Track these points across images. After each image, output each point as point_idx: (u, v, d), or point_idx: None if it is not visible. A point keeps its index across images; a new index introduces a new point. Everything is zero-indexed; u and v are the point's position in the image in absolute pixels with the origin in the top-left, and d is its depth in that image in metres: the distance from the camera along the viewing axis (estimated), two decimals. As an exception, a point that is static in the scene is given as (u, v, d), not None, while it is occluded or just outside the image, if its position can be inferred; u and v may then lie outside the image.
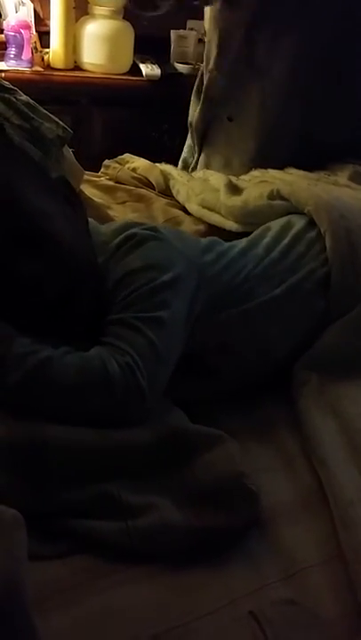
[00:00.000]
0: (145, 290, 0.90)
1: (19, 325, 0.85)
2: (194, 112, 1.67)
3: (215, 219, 1.33)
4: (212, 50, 1.59)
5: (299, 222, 1.14)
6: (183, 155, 1.76)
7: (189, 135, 1.73)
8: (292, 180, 1.39)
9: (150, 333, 0.86)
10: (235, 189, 1.35)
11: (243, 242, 1.11)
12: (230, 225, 1.27)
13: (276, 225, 1.15)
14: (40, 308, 0.87)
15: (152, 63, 2.22)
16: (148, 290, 0.90)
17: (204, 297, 0.98)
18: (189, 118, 1.69)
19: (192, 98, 1.69)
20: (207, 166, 1.62)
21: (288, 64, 1.53)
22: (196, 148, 1.70)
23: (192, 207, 1.41)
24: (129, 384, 0.82)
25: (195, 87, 1.69)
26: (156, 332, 0.87)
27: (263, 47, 1.52)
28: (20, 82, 1.51)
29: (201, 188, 1.40)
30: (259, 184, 1.39)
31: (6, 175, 0.88)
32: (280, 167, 1.49)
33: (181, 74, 2.24)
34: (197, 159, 1.69)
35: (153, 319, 0.88)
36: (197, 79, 1.68)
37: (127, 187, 1.55)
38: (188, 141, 1.75)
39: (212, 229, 1.33)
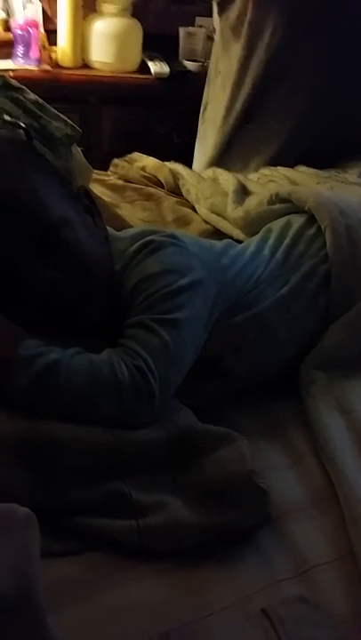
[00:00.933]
0: (162, 293, 0.90)
1: (29, 327, 0.85)
2: None
3: (223, 225, 1.33)
4: None
5: (298, 221, 1.15)
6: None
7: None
8: (300, 180, 1.39)
9: (165, 335, 0.86)
10: (243, 191, 1.35)
11: (252, 245, 1.12)
12: (237, 234, 1.28)
13: (276, 226, 1.16)
14: (54, 313, 0.87)
15: (160, 61, 2.22)
16: (166, 293, 0.90)
17: (221, 301, 0.98)
18: None
19: None
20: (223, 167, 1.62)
21: (309, 67, 1.54)
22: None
23: (201, 210, 1.41)
24: (139, 388, 0.82)
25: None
26: (171, 333, 0.87)
27: (283, 52, 1.53)
28: (28, 80, 1.51)
29: (211, 191, 1.40)
30: (267, 184, 1.40)
31: (31, 182, 0.88)
32: (291, 165, 1.50)
33: (190, 71, 2.24)
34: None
35: (169, 321, 0.87)
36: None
37: (136, 185, 1.55)
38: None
39: (221, 230, 1.34)
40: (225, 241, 1.14)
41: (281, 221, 1.17)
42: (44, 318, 0.87)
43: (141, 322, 0.88)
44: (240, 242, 1.21)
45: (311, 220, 1.13)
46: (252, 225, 1.23)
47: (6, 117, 1.05)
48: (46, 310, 0.87)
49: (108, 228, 1.01)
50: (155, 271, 0.92)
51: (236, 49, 1.61)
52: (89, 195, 1.01)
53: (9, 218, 0.84)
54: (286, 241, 1.11)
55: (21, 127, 1.00)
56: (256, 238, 1.15)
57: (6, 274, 0.85)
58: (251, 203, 1.27)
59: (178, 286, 0.90)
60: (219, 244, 1.11)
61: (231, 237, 1.28)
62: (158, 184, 1.55)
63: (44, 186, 0.90)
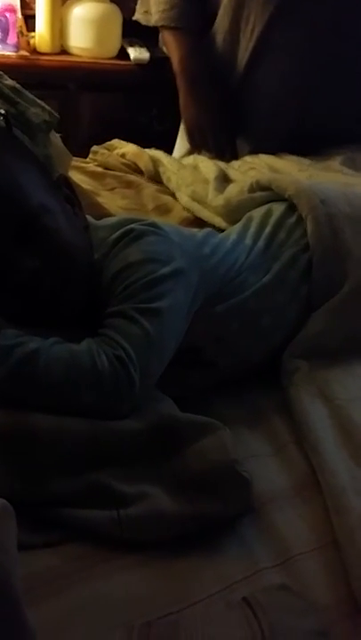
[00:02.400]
0: (144, 282, 0.89)
1: (8, 317, 0.84)
2: None
3: (204, 214, 1.33)
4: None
5: (278, 209, 1.15)
6: None
7: None
8: (282, 168, 1.39)
9: (146, 324, 0.85)
10: (224, 179, 1.35)
11: (233, 234, 1.11)
12: (219, 222, 1.28)
13: (257, 214, 1.16)
14: (34, 302, 0.86)
15: (140, 47, 2.20)
16: (147, 282, 0.89)
17: (203, 290, 0.98)
18: None
19: None
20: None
21: (289, 52, 1.53)
22: None
23: (182, 198, 1.41)
24: (119, 378, 0.81)
25: None
26: (152, 322, 0.86)
27: (264, 39, 1.52)
28: (5, 67, 1.49)
29: (191, 178, 1.40)
30: (248, 171, 1.39)
31: (11, 170, 0.88)
32: (273, 152, 1.49)
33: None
34: None
35: (150, 310, 0.87)
36: None
37: (116, 173, 1.54)
38: None
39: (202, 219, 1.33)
40: (206, 230, 1.13)
41: (262, 209, 1.17)
42: (24, 308, 0.86)
43: (122, 311, 0.87)
44: (221, 230, 1.20)
45: (292, 208, 1.13)
46: (233, 213, 1.23)
47: None
48: (26, 300, 0.86)
49: (87, 216, 1.01)
50: (135, 260, 0.91)
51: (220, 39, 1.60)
52: (69, 183, 1.00)
53: None
54: (267, 229, 1.11)
55: (1, 114, 0.99)
56: (237, 227, 1.14)
57: None
58: (231, 191, 1.27)
59: (159, 275, 0.90)
60: (200, 232, 1.10)
61: (212, 225, 1.27)
62: (138, 171, 1.54)
63: (23, 173, 0.89)
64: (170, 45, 1.69)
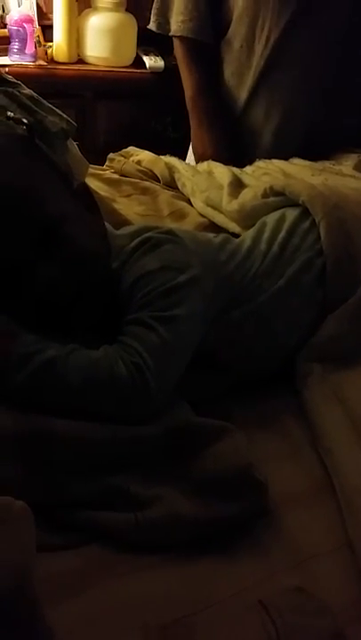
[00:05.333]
0: (161, 290, 0.90)
1: (26, 324, 0.85)
2: None
3: (219, 219, 1.33)
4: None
5: (292, 214, 1.15)
6: None
7: None
8: (294, 172, 1.39)
9: (164, 332, 0.86)
10: (239, 185, 1.35)
11: (248, 239, 1.12)
12: (233, 227, 1.28)
13: (271, 219, 1.16)
14: (51, 310, 0.87)
15: (155, 55, 2.21)
16: (165, 290, 0.90)
17: (219, 297, 0.98)
18: None
19: None
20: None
21: (299, 56, 1.54)
22: None
23: (197, 204, 1.41)
24: (136, 385, 0.82)
25: None
26: (169, 330, 0.87)
27: (277, 46, 1.53)
28: (23, 76, 1.50)
29: (206, 184, 1.40)
30: (262, 177, 1.40)
31: (32, 177, 0.88)
32: (286, 158, 1.49)
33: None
34: None
35: (168, 318, 0.88)
36: None
37: (132, 180, 1.54)
38: None
39: (216, 224, 1.34)
40: (222, 236, 1.13)
41: (275, 215, 1.17)
42: (41, 316, 0.87)
43: (140, 319, 0.88)
44: (236, 235, 1.21)
45: (305, 213, 1.13)
46: (247, 218, 1.23)
47: (9, 113, 1.05)
48: (44, 308, 0.86)
49: (105, 224, 1.01)
50: (153, 268, 0.92)
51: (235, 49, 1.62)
52: (89, 192, 1.01)
53: (9, 214, 0.84)
54: (281, 234, 1.11)
55: (24, 123, 1.00)
56: (251, 232, 1.15)
57: (4, 270, 0.85)
58: (245, 196, 1.27)
59: (176, 283, 0.90)
60: (216, 239, 1.11)
61: (227, 230, 1.27)
62: (154, 178, 1.55)
63: (45, 182, 0.90)
64: (183, 67, 1.71)
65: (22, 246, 0.85)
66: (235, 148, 1.64)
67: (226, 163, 1.48)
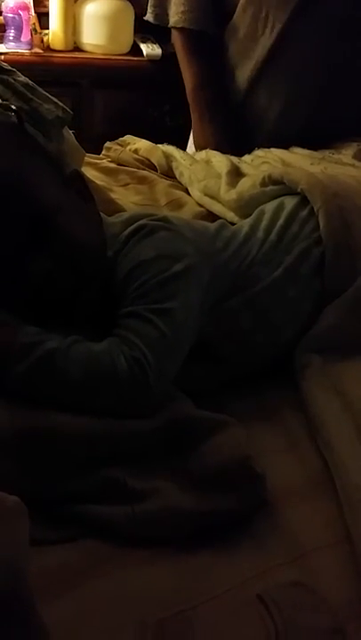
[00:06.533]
0: (157, 280, 0.89)
1: (24, 317, 0.84)
2: None
3: (217, 208, 1.32)
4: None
5: (290, 202, 1.13)
6: None
7: None
8: (294, 161, 1.38)
9: (162, 325, 0.85)
10: (237, 174, 1.34)
11: (245, 226, 1.11)
12: (231, 216, 1.27)
13: (269, 207, 1.15)
14: (46, 302, 0.86)
15: (153, 43, 2.20)
16: (160, 280, 0.89)
17: (216, 286, 0.97)
18: None
19: None
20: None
21: (306, 49, 1.53)
22: None
23: (195, 193, 1.40)
24: (136, 379, 0.81)
25: None
26: (167, 323, 0.86)
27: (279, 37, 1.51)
28: (19, 64, 1.49)
29: (204, 173, 1.39)
30: (260, 165, 1.39)
31: (21, 166, 0.87)
32: (288, 142, 1.49)
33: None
34: None
35: (165, 310, 0.87)
36: None
37: (129, 168, 1.53)
38: None
39: (214, 213, 1.33)
40: (218, 222, 1.13)
41: (274, 203, 1.16)
42: (39, 308, 0.86)
43: (136, 312, 0.87)
44: (234, 224, 1.20)
45: (304, 201, 1.12)
46: (246, 207, 1.22)
47: None
48: (39, 302, 0.85)
49: (100, 213, 1.00)
50: (148, 257, 0.91)
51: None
52: (82, 179, 0.99)
53: None
54: (280, 222, 1.10)
55: (12, 110, 0.99)
56: (249, 220, 1.14)
57: None
58: (244, 185, 1.26)
59: (172, 273, 0.90)
60: (212, 226, 1.10)
61: (225, 220, 1.26)
62: (151, 167, 1.54)
63: (35, 172, 0.88)
64: (183, 60, 1.69)
65: (12, 241, 0.83)
66: (236, 139, 1.63)
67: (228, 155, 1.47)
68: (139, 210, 1.27)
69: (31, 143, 0.96)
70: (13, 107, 0.99)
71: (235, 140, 1.63)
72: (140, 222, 0.95)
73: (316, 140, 1.52)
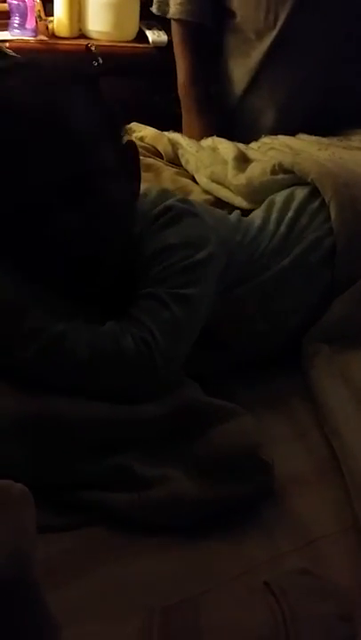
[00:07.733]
0: (179, 267, 0.89)
1: (34, 289, 0.83)
2: None
3: (224, 194, 1.31)
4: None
5: (301, 193, 1.13)
6: None
7: None
8: (301, 147, 1.37)
9: (177, 309, 0.85)
10: (244, 160, 1.33)
11: (258, 219, 1.10)
12: (239, 202, 1.26)
13: (279, 198, 1.14)
14: (63, 267, 0.84)
15: (159, 29, 2.18)
16: (183, 267, 0.89)
17: (227, 274, 0.98)
18: None
19: None
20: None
21: (310, 35, 1.52)
22: None
23: (201, 179, 1.39)
24: (143, 361, 0.81)
25: None
26: (183, 308, 0.86)
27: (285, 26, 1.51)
28: (24, 51, 1.49)
29: (210, 159, 1.38)
30: (268, 151, 1.38)
31: (83, 117, 0.86)
32: (292, 133, 1.48)
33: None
34: None
35: (183, 296, 0.87)
36: None
37: (135, 156, 1.52)
38: None
39: (221, 200, 1.32)
40: (235, 214, 1.13)
41: (284, 193, 1.15)
42: (54, 274, 0.84)
43: (156, 294, 0.86)
44: (242, 209, 1.19)
45: (315, 191, 1.11)
46: (255, 193, 1.21)
47: (92, 47, 1.00)
48: (57, 261, 0.84)
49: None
50: (175, 242, 0.91)
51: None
52: (136, 151, 0.97)
53: (45, 145, 0.81)
54: (290, 214, 1.10)
55: (97, 61, 0.97)
56: (260, 212, 1.13)
57: (24, 209, 0.82)
58: (254, 170, 1.25)
59: (196, 260, 0.90)
60: (230, 217, 1.10)
61: (233, 205, 1.26)
62: (157, 154, 1.53)
63: (95, 127, 0.87)
64: (178, 52, 1.71)
65: (47, 188, 0.82)
66: (226, 136, 1.63)
67: None
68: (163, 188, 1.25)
69: (102, 101, 0.93)
70: (100, 59, 0.97)
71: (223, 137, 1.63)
72: (168, 203, 0.95)
73: (326, 122, 1.52)
